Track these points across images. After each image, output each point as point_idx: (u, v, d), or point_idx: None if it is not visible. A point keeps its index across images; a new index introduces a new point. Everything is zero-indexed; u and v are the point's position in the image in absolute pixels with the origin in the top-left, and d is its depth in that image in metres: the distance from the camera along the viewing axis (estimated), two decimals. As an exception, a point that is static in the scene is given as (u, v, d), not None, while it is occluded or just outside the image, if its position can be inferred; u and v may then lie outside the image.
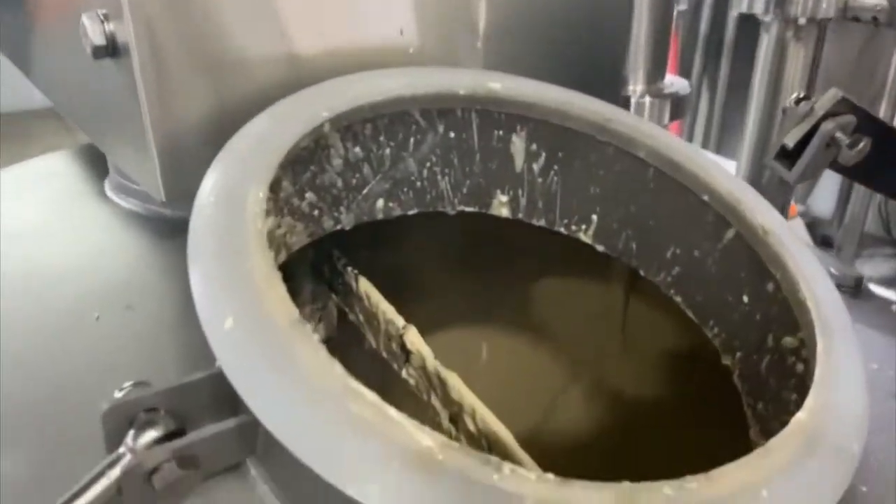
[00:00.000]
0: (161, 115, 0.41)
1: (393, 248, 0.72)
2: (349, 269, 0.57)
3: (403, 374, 0.53)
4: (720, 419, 0.45)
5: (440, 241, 0.75)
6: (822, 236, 1.87)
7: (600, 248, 0.51)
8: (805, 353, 0.35)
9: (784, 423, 0.36)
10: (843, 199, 1.72)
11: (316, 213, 0.45)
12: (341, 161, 0.44)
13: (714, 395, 0.46)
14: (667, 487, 0.25)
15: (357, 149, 0.45)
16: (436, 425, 0.52)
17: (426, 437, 0.24)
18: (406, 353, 0.52)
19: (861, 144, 0.42)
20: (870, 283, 1.58)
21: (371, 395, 0.25)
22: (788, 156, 0.47)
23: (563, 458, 0.90)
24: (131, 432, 0.28)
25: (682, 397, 0.77)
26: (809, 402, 0.30)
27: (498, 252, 0.76)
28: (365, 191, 0.47)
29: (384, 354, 0.55)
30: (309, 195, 0.43)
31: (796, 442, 0.28)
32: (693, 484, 0.26)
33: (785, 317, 0.38)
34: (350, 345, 0.62)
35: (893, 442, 0.45)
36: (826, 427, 0.29)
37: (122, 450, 0.27)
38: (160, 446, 0.28)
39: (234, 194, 0.32)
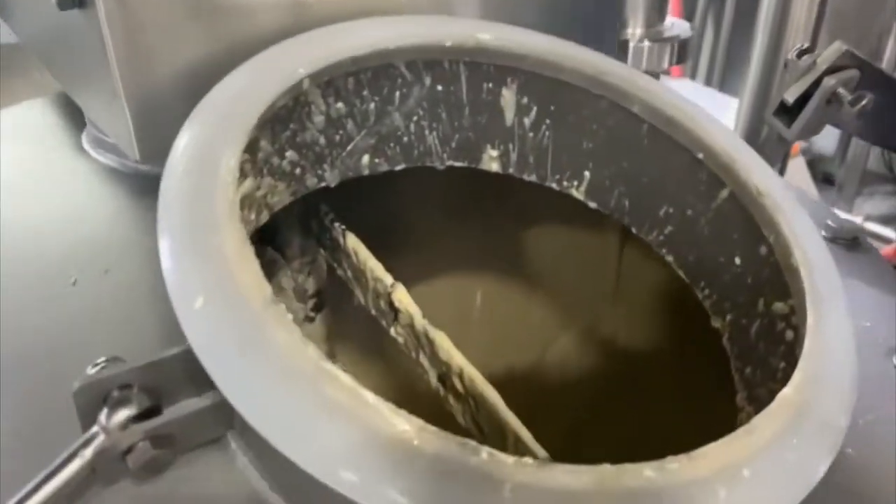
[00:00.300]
0: (132, 69, 0.39)
1: (388, 196, 0.71)
2: (336, 224, 0.56)
3: (392, 332, 0.53)
4: (710, 376, 0.45)
5: (436, 190, 0.74)
6: (823, 174, 1.85)
7: (592, 204, 0.50)
8: (795, 321, 0.35)
9: (771, 391, 0.35)
10: (846, 137, 1.70)
11: (298, 171, 0.43)
12: (323, 117, 0.43)
13: (705, 353, 0.46)
14: (648, 469, 0.25)
15: (339, 104, 0.43)
16: (424, 383, 0.52)
17: (402, 422, 0.24)
18: (394, 311, 0.51)
19: (863, 102, 0.41)
20: (869, 222, 1.56)
21: (346, 378, 0.25)
22: (788, 111, 0.46)
23: (553, 406, 0.91)
24: (104, 411, 0.27)
25: (674, 351, 0.77)
26: (797, 376, 0.29)
27: (493, 201, 0.74)
28: (349, 147, 0.46)
29: (373, 312, 0.55)
30: (290, 154, 0.42)
31: (781, 419, 0.27)
32: (674, 465, 0.25)
33: (777, 282, 0.37)
34: (342, 298, 0.62)
35: (883, 404, 0.45)
36: (812, 403, 0.28)
37: (95, 429, 0.27)
38: (134, 426, 0.27)
39: (205, 161, 0.31)
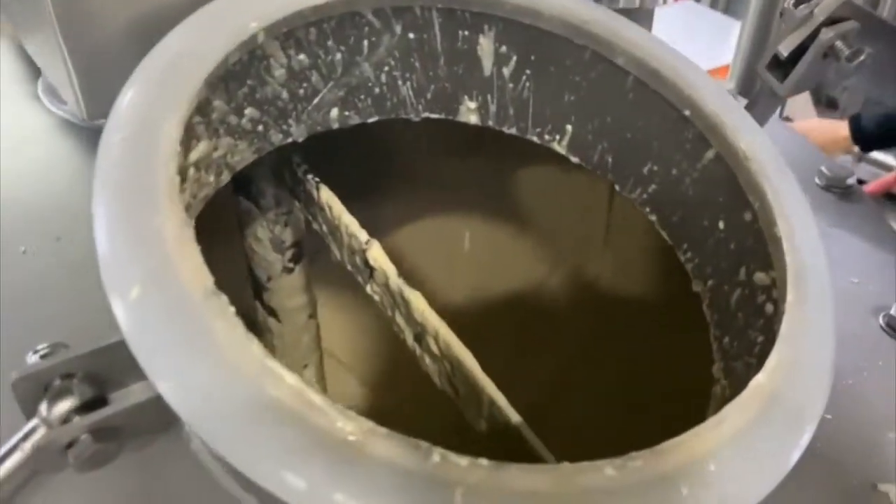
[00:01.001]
0: (73, 22, 0.36)
1: (374, 137, 0.68)
2: (309, 176, 0.54)
3: (368, 289, 0.51)
4: (697, 323, 0.44)
5: (424, 130, 0.71)
6: (827, 98, 1.81)
7: (575, 159, 0.48)
8: (776, 295, 0.33)
9: (747, 365, 0.34)
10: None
11: (260, 128, 0.41)
12: (284, 71, 0.40)
13: (693, 301, 0.45)
14: (609, 468, 0.24)
15: (302, 56, 0.40)
16: (401, 342, 0.51)
17: (350, 424, 0.23)
18: (369, 269, 0.50)
19: (861, 57, 0.38)
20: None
21: (292, 378, 0.23)
22: (782, 65, 0.43)
23: (540, 347, 0.91)
24: (45, 402, 0.26)
25: (661, 296, 0.76)
26: (771, 361, 0.28)
27: (482, 140, 0.72)
28: (316, 101, 0.43)
29: (348, 267, 0.53)
30: (249, 111, 0.39)
31: (751, 409, 0.26)
32: (638, 462, 0.24)
33: (760, 251, 0.35)
34: (321, 248, 0.60)
35: (866, 367, 0.45)
36: (785, 391, 0.27)
37: (35, 422, 0.26)
38: (77, 418, 0.26)
39: (145, 131, 0.28)
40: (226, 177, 0.40)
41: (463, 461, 0.23)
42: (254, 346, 0.23)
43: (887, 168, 2.35)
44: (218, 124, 0.37)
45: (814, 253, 0.32)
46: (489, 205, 0.93)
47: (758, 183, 0.35)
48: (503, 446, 0.45)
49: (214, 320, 0.24)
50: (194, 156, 0.35)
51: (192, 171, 0.35)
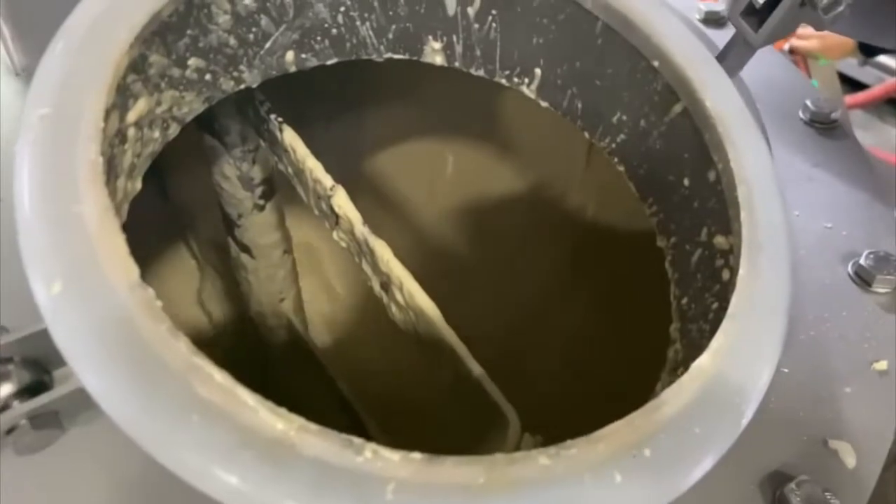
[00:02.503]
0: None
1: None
2: (273, 116, 0.52)
3: (334, 235, 0.51)
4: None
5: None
6: None
7: (544, 104, 0.46)
8: (732, 262, 0.33)
9: (700, 332, 0.34)
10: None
11: (208, 77, 0.39)
12: (229, 17, 0.37)
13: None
14: (543, 457, 0.24)
15: (247, 0, 0.37)
16: (368, 289, 0.51)
17: (280, 422, 0.23)
18: (335, 215, 0.49)
19: (839, 9, 0.35)
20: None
21: (221, 376, 0.23)
22: (757, 13, 0.40)
23: (519, 271, 0.91)
24: (-19, 389, 0.26)
25: (640, 227, 0.76)
26: (716, 341, 0.28)
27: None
28: (268, 45, 0.41)
29: (315, 212, 0.52)
30: (193, 61, 0.37)
31: (690, 393, 0.26)
32: (572, 450, 0.24)
33: (721, 214, 0.35)
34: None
35: (829, 318, 0.45)
36: (727, 374, 0.27)
37: (-28, 409, 0.26)
38: (16, 404, 0.26)
39: (65, 107, 0.27)
40: (174, 130, 0.39)
41: (395, 456, 0.23)
42: (181, 343, 0.23)
43: (892, 72, 2.29)
44: (158, 79, 0.35)
45: (773, 224, 0.31)
46: (473, 128, 0.91)
47: (721, 143, 0.34)
48: (466, 395, 0.45)
49: (140, 316, 0.23)
50: (133, 115, 0.33)
51: (132, 130, 0.34)
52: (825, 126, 0.59)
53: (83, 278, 0.23)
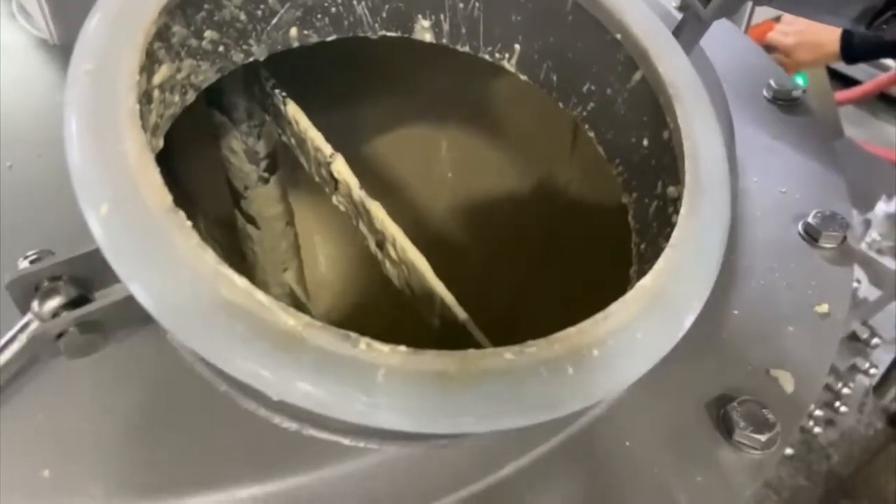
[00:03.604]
0: (36, -52, 0.38)
1: (350, 45, 0.70)
2: (277, 91, 0.57)
3: (334, 200, 0.55)
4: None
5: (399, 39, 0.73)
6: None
7: (523, 77, 0.51)
8: (680, 206, 0.38)
9: (654, 269, 0.39)
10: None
11: (221, 49, 0.44)
12: (241, -6, 0.42)
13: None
14: (508, 353, 0.29)
15: (257, -20, 0.42)
16: (365, 248, 0.56)
17: (290, 318, 0.27)
18: (334, 181, 0.54)
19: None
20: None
21: (241, 281, 0.28)
22: (706, -10, 0.45)
23: (506, 252, 0.96)
24: (36, 301, 0.31)
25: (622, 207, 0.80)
26: (657, 266, 0.33)
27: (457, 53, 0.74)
28: (274, 21, 0.46)
29: (316, 179, 0.57)
30: (209, 33, 0.42)
31: (635, 306, 0.31)
32: (532, 348, 0.29)
33: (673, 167, 0.39)
34: (297, 159, 0.64)
35: (778, 269, 0.49)
36: (666, 292, 0.32)
37: (29, 317, 0.31)
38: (64, 313, 0.31)
39: (107, 64, 0.31)
40: (191, 96, 0.43)
41: (385, 348, 0.28)
42: (208, 254, 0.28)
43: (883, 68, 2.31)
44: (179, 48, 0.40)
45: (715, 171, 0.36)
46: (465, 112, 0.95)
47: (672, 105, 0.39)
48: (453, 339, 0.50)
49: (173, 233, 0.28)
50: (157, 79, 0.38)
51: (156, 92, 0.38)
52: (786, 102, 0.64)
53: (126, 203, 0.28)
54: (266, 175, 0.68)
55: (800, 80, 1.45)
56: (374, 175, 1.01)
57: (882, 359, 0.68)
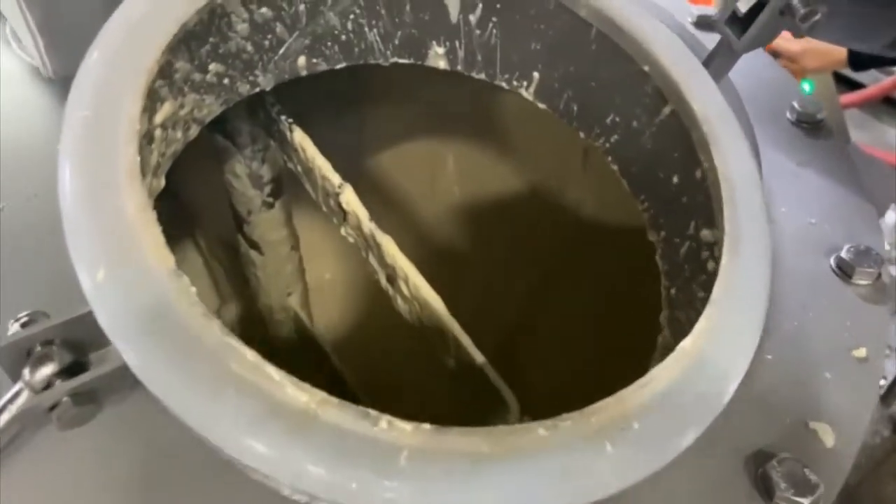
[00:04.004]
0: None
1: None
2: (283, 117, 0.55)
3: (342, 231, 0.53)
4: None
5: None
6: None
7: (542, 105, 0.48)
8: (717, 253, 0.35)
9: (688, 319, 0.37)
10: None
11: (226, 81, 0.41)
12: (247, 25, 0.40)
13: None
14: (541, 428, 0.27)
15: (264, 9, 0.40)
16: (375, 282, 0.53)
17: (304, 395, 0.25)
18: (343, 212, 0.51)
19: (815, 18, 0.38)
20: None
21: (251, 354, 0.25)
22: (740, 21, 0.43)
23: (515, 267, 0.94)
24: (27, 368, 0.28)
25: (637, 225, 0.78)
26: (699, 326, 0.30)
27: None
28: (282, 51, 0.43)
29: (324, 209, 0.55)
30: (213, 66, 0.39)
31: (676, 371, 0.29)
32: (567, 422, 0.27)
33: (707, 208, 0.37)
34: (301, 183, 0.61)
35: (812, 307, 0.47)
36: (709, 354, 0.29)
37: (20, 385, 0.28)
38: (58, 383, 0.28)
39: (106, 110, 0.29)
40: (194, 131, 0.41)
41: (407, 426, 0.26)
42: (215, 325, 0.25)
43: (888, 72, 2.30)
44: (182, 83, 0.37)
45: (753, 219, 0.34)
46: (473, 127, 0.93)
47: (707, 144, 0.36)
48: (468, 382, 0.48)
49: (178, 301, 0.26)
50: (160, 118, 0.36)
51: (158, 131, 0.36)
52: (811, 126, 0.62)
53: (126, 266, 0.26)
54: (270, 200, 0.66)
55: (806, 86, 1.43)
56: (377, 190, 0.99)
57: (889, 369, 0.67)
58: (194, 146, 0.65)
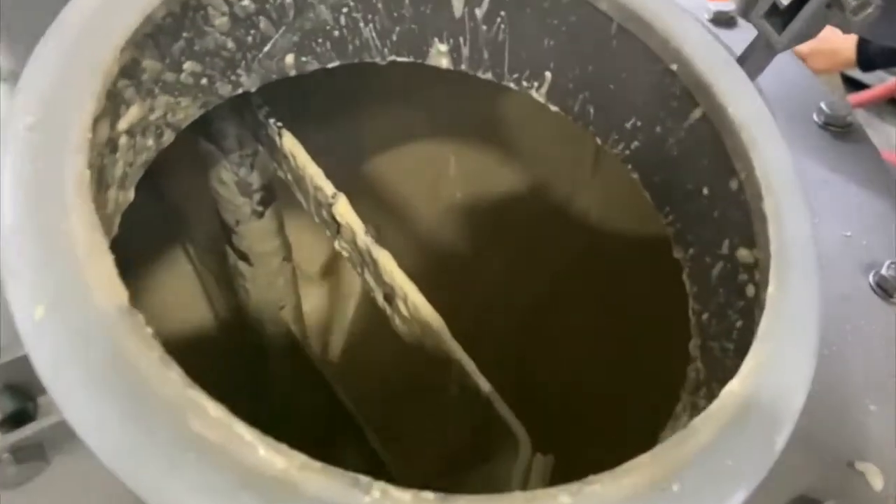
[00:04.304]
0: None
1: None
2: (271, 121, 0.50)
3: (336, 245, 0.49)
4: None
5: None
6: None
7: (554, 108, 0.44)
8: (759, 278, 0.31)
9: (724, 350, 0.32)
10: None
11: (204, 81, 0.37)
12: (227, 19, 0.36)
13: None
14: (564, 494, 0.22)
15: (246, 2, 0.36)
16: (372, 300, 0.49)
17: (281, 459, 0.21)
18: (336, 224, 0.47)
19: (868, 10, 0.34)
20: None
21: (216, 410, 0.21)
22: (781, 14, 0.38)
23: (520, 276, 0.90)
24: (-39, 420, 0.24)
25: (650, 233, 0.74)
26: (747, 365, 0.26)
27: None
28: (267, 48, 0.39)
29: (316, 220, 0.51)
30: (189, 65, 0.35)
31: (721, 422, 0.25)
32: (595, 486, 0.23)
33: (744, 225, 0.33)
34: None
35: (852, 331, 0.43)
36: (760, 399, 0.25)
37: (-49, 441, 0.24)
38: (-4, 436, 0.24)
39: (52, 117, 0.25)
40: (168, 137, 0.37)
41: (405, 496, 0.21)
42: (173, 372, 0.21)
43: (893, 72, 2.27)
44: (151, 84, 0.33)
45: (802, 239, 0.29)
46: (475, 127, 0.89)
47: (745, 151, 0.32)
48: (472, 411, 0.44)
49: (130, 343, 0.21)
50: (125, 123, 0.31)
51: (123, 139, 0.32)
52: (840, 129, 0.58)
53: (68, 302, 0.22)
54: (260, 209, 0.62)
55: None
56: (376, 194, 0.95)
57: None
58: (180, 149, 0.60)
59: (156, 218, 0.78)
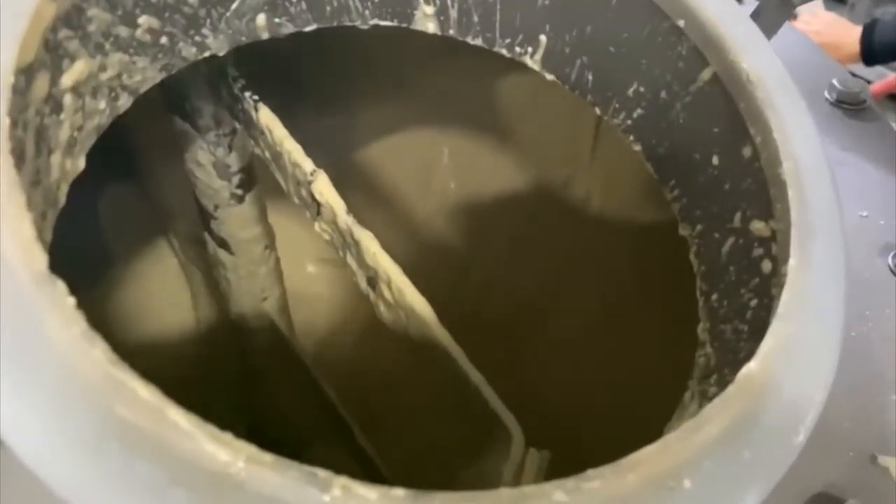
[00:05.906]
0: None
1: (344, 40, 0.61)
2: (247, 94, 0.47)
3: (316, 227, 0.46)
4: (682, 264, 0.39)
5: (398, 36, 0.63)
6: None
7: (550, 76, 0.41)
8: (776, 251, 0.28)
9: (736, 332, 0.29)
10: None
11: (164, 40, 0.34)
12: (188, -30, 0.32)
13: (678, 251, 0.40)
14: (559, 492, 0.19)
15: (209, -51, 0.33)
16: (353, 285, 0.46)
17: (224, 451, 0.18)
18: (316, 203, 0.44)
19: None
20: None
21: (147, 392, 0.18)
22: (799, -35, 0.35)
23: (516, 268, 0.87)
24: None
25: (651, 219, 0.71)
26: (766, 344, 0.23)
27: (460, 46, 0.64)
28: (234, 5, 0.36)
29: (295, 200, 0.47)
30: (144, 20, 0.32)
31: (738, 407, 0.21)
32: (595, 482, 0.19)
33: (759, 195, 0.30)
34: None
35: (873, 315, 0.40)
36: (780, 382, 0.22)
37: None
38: None
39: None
40: (125, 101, 0.34)
41: (371, 493, 0.18)
42: (98, 349, 0.18)
43: (893, 68, 2.25)
44: (101, 38, 0.30)
45: (826, 205, 0.26)
46: (469, 115, 0.86)
47: (762, 112, 0.29)
48: (462, 403, 0.40)
49: (46, 316, 0.18)
50: (69, 79, 0.28)
51: (68, 98, 0.29)
52: (854, 107, 0.55)
53: (-25, 268, 0.18)
54: (240, 192, 0.58)
55: None
56: (366, 185, 0.91)
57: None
58: (159, 134, 0.57)
59: (140, 210, 0.75)
